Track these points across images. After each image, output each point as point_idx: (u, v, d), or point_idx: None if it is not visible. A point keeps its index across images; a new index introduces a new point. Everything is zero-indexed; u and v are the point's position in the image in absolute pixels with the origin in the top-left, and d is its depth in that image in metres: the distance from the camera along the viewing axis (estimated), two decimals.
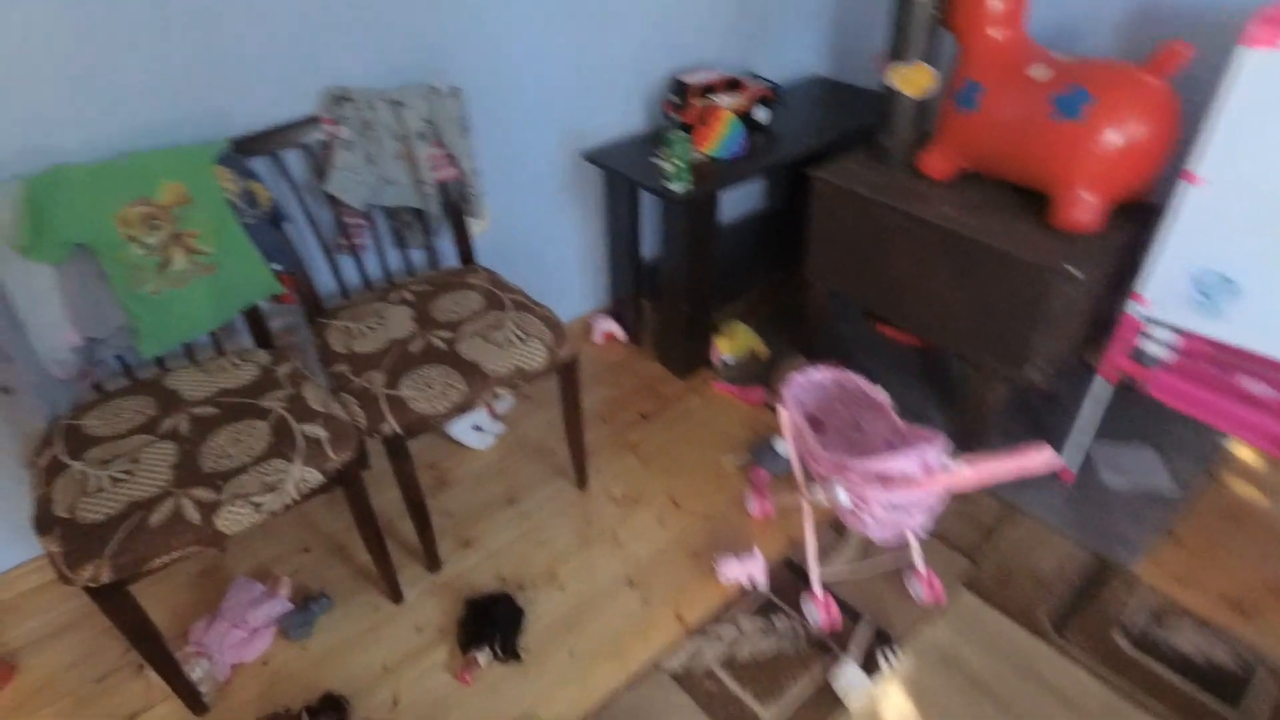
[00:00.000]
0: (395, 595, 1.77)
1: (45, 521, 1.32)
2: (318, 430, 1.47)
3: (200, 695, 1.57)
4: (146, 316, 1.58)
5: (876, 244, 2.00)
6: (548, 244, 2.33)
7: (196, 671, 1.58)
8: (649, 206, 2.38)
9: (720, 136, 2.14)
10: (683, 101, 2.19)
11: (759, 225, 2.82)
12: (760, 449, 2.08)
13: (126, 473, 1.38)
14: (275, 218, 1.69)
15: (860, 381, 1.71)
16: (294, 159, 1.77)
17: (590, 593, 1.79)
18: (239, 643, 1.66)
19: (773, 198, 2.96)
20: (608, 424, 2.23)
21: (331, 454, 1.45)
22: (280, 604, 1.72)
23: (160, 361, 1.67)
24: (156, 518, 1.31)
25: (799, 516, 1.95)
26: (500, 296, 1.82)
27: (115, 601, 1.35)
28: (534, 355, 1.67)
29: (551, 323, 1.75)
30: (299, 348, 1.91)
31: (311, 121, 1.72)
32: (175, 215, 1.56)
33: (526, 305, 1.79)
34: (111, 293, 1.54)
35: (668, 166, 1.99)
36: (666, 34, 2.26)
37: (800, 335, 2.43)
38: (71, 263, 1.49)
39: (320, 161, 1.77)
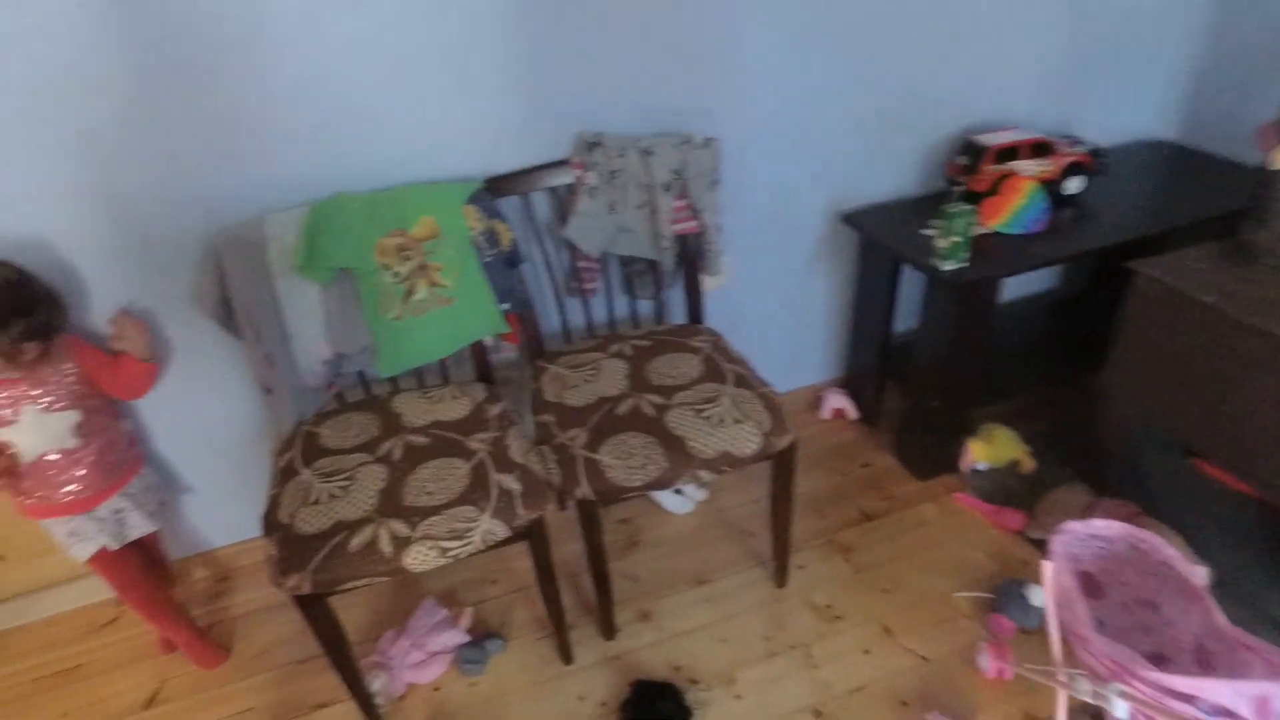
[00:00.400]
0: (566, 656, 1.72)
1: (271, 524, 1.42)
2: (512, 483, 1.45)
3: (375, 706, 1.63)
4: (388, 339, 1.67)
5: (1221, 369, 1.55)
6: (784, 306, 2.16)
7: (375, 683, 1.64)
8: (911, 277, 2.12)
9: (1014, 209, 1.83)
10: (973, 165, 1.90)
11: (1046, 309, 2.40)
12: (1007, 591, 1.73)
13: (342, 489, 1.45)
14: (512, 258, 1.71)
15: (1167, 551, 1.33)
16: (539, 201, 1.78)
17: (769, 713, 1.59)
18: (417, 664, 1.70)
19: (1069, 277, 2.51)
20: (821, 516, 2.01)
21: (521, 510, 1.41)
22: (458, 635, 1.74)
23: (394, 381, 1.76)
24: (356, 542, 1.35)
25: (1047, 694, 1.58)
26: (721, 367, 1.68)
27: (314, 610, 1.42)
28: (746, 441, 1.52)
29: (772, 406, 1.58)
30: (515, 384, 1.93)
31: (562, 165, 1.72)
32: (425, 248, 1.63)
33: (748, 381, 1.64)
34: (361, 315, 1.64)
35: (941, 242, 1.72)
36: (962, 87, 1.99)
37: (1085, 460, 1.98)
38: (333, 284, 1.61)
39: (564, 205, 1.76)
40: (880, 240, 1.91)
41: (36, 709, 1.76)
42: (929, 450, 2.04)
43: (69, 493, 1.56)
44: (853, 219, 2.00)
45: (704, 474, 1.51)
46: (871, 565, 1.87)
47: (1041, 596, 1.65)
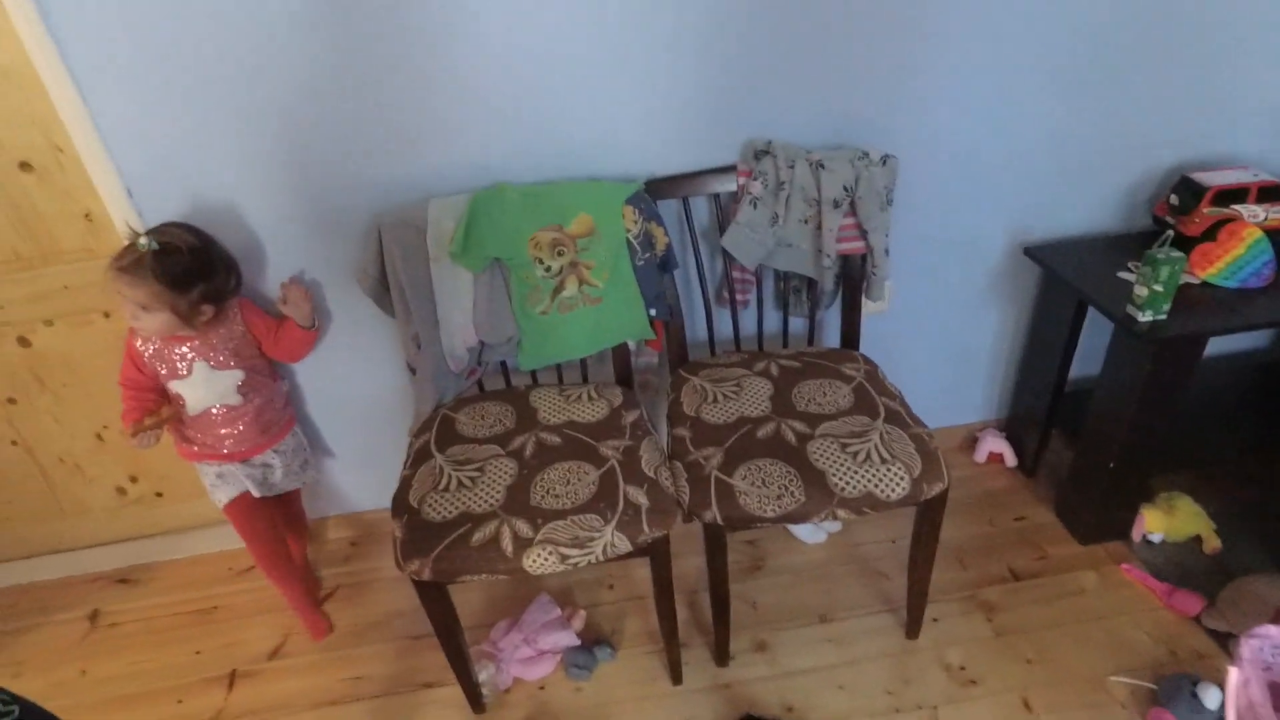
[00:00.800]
0: (676, 676, 1.66)
1: (400, 505, 1.44)
2: (640, 497, 1.40)
3: (481, 695, 1.63)
4: (532, 333, 1.66)
5: None
6: (947, 338, 2.00)
7: (483, 674, 1.65)
8: (1096, 321, 1.91)
9: (1232, 259, 1.60)
10: (1187, 206, 1.68)
11: (1251, 370, 2.11)
12: (1175, 686, 1.52)
13: (471, 479, 1.45)
14: (665, 263, 1.66)
15: None
16: (699, 206, 1.72)
17: None
18: (525, 660, 1.69)
19: None
20: (964, 567, 1.85)
21: (646, 527, 1.36)
22: (569, 637, 1.72)
23: (533, 375, 1.75)
24: (478, 536, 1.34)
25: None
26: (874, 399, 1.57)
27: (432, 595, 1.43)
28: (893, 484, 1.40)
29: (925, 448, 1.45)
30: (653, 390, 1.88)
31: (727, 171, 1.65)
32: (579, 245, 1.60)
33: (901, 419, 1.52)
34: (509, 306, 1.64)
35: (1140, 289, 1.53)
36: (1182, 118, 1.75)
37: None
38: (485, 273, 1.61)
39: (724, 213, 1.69)
40: (1066, 278, 1.72)
41: (173, 643, 1.88)
42: (1096, 512, 1.84)
43: (226, 444, 1.65)
44: (1036, 253, 1.81)
45: (842, 513, 1.41)
46: (1016, 629, 1.70)
47: (1218, 699, 1.45)
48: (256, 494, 1.72)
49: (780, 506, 1.39)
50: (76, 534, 2.14)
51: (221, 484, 1.71)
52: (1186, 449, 1.86)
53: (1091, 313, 1.82)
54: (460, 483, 1.45)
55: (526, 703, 1.66)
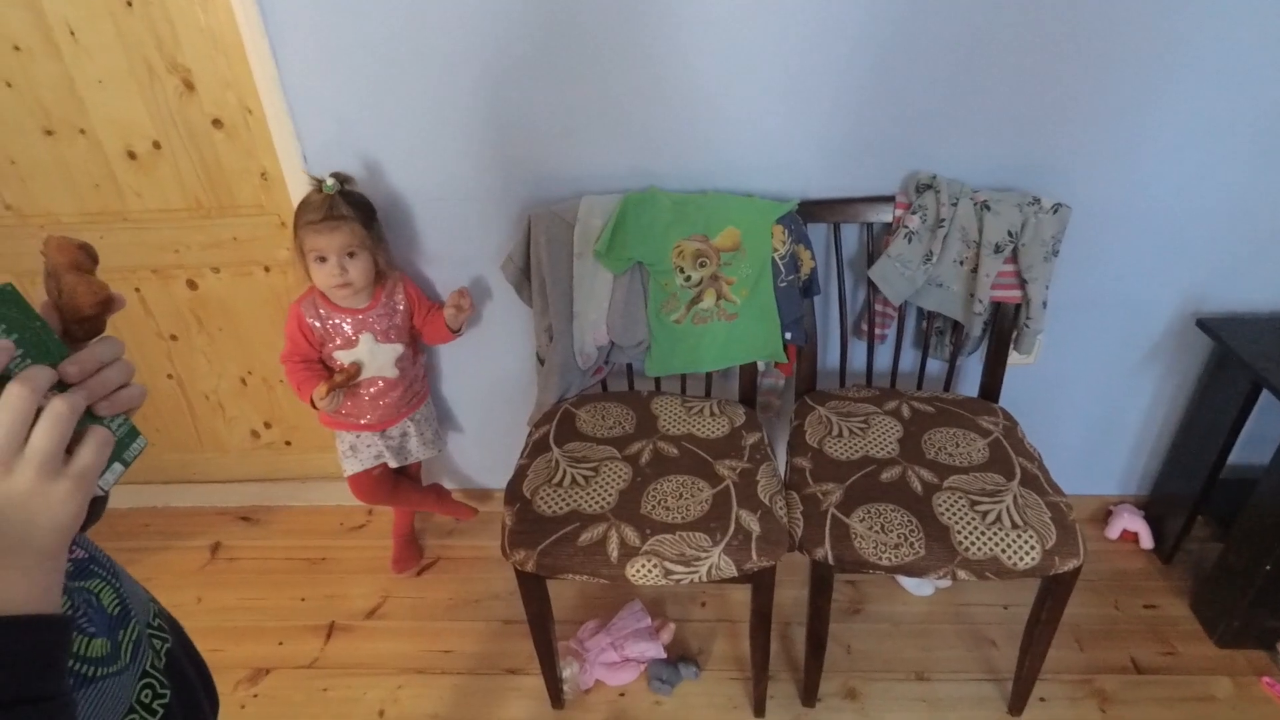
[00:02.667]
0: (759, 708, 1.62)
1: (513, 494, 1.46)
2: (753, 523, 1.37)
3: (562, 691, 1.64)
4: (663, 340, 1.65)
5: None
6: (1093, 402, 1.87)
7: (566, 671, 1.66)
8: (1269, 408, 1.74)
9: None
10: None
11: None
12: None
13: (585, 478, 1.46)
14: (808, 288, 1.62)
15: None
16: (850, 233, 1.67)
17: None
18: (609, 665, 1.69)
19: None
20: (1081, 649, 1.72)
21: (754, 555, 1.33)
22: (656, 649, 1.70)
23: (656, 382, 1.75)
24: (586, 537, 1.35)
25: None
26: (1011, 459, 1.48)
27: (532, 586, 1.45)
28: (1023, 552, 1.32)
29: (1062, 520, 1.36)
30: (775, 412, 1.84)
31: (885, 200, 1.59)
32: (722, 259, 1.59)
33: (1039, 484, 1.43)
34: (644, 310, 1.64)
35: None
36: None
37: None
38: (625, 275, 1.62)
39: (875, 244, 1.63)
40: (1243, 356, 1.58)
41: (282, 586, 1.98)
42: (1241, 614, 1.67)
43: (368, 415, 1.73)
44: (1210, 325, 1.67)
45: (964, 574, 1.34)
46: None
47: None
48: (394, 464, 1.81)
49: (897, 556, 1.33)
50: (210, 468, 2.29)
51: (353, 455, 1.79)
52: None
53: (1265, 397, 1.66)
54: (574, 480, 1.46)
55: (605, 707, 1.66)
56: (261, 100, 1.64)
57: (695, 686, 1.69)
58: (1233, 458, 1.76)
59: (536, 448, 1.57)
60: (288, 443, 2.26)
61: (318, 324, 1.65)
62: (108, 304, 0.58)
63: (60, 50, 1.67)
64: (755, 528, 1.36)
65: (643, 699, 1.67)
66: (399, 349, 1.69)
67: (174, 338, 2.07)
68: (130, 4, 1.62)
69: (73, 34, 1.66)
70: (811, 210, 1.59)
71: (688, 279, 1.61)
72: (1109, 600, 1.83)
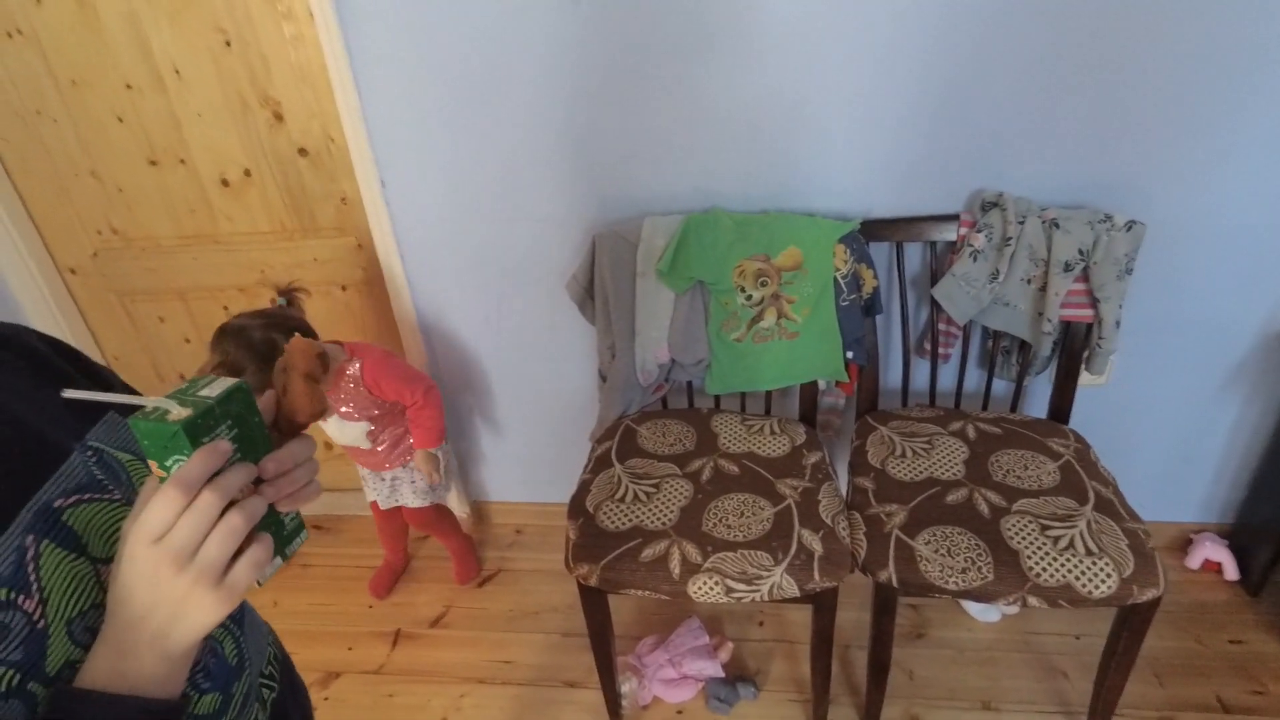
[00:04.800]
0: None
1: (577, 508, 1.49)
2: (815, 543, 1.37)
3: (620, 706, 1.66)
4: (724, 359, 1.67)
5: None
6: (1170, 426, 1.80)
7: (625, 685, 1.67)
8: None
9: None
10: None
11: None
12: None
13: (647, 494, 1.48)
14: (870, 307, 1.61)
15: None
16: (913, 252, 1.66)
17: None
18: (668, 681, 1.70)
19: None
20: (1161, 685, 1.65)
21: (817, 576, 1.33)
22: (714, 667, 1.70)
23: (716, 400, 1.76)
24: (649, 553, 1.37)
25: None
26: (1083, 483, 1.44)
27: (593, 600, 1.47)
28: (1098, 580, 1.28)
29: (1139, 547, 1.31)
30: (834, 431, 1.83)
31: (949, 219, 1.58)
32: (783, 279, 1.60)
33: (1114, 509, 1.38)
34: (705, 328, 1.66)
35: None
36: None
37: None
38: (687, 294, 1.64)
39: (939, 263, 1.62)
40: None
41: (352, 592, 2.06)
42: None
43: (367, 463, 1.87)
44: None
45: (1035, 601, 1.30)
46: None
47: None
48: (384, 505, 1.92)
49: (964, 580, 1.31)
50: None
51: (366, 484, 1.94)
52: None
53: None
54: (636, 496, 1.49)
55: None
56: (344, 129, 1.73)
57: (752, 707, 1.68)
58: None
59: (599, 463, 1.60)
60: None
61: None
62: (321, 416, 0.62)
63: (166, 87, 1.80)
64: (818, 548, 1.36)
65: (700, 718, 1.67)
66: (365, 427, 1.76)
67: None
68: (229, 44, 1.74)
69: (177, 72, 1.78)
70: (874, 229, 1.59)
71: (749, 298, 1.62)
72: (1190, 634, 1.75)
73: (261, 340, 1.48)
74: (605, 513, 1.45)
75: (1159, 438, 1.82)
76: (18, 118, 1.87)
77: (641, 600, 1.93)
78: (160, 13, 1.72)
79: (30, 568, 0.51)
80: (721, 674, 1.70)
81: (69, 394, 0.56)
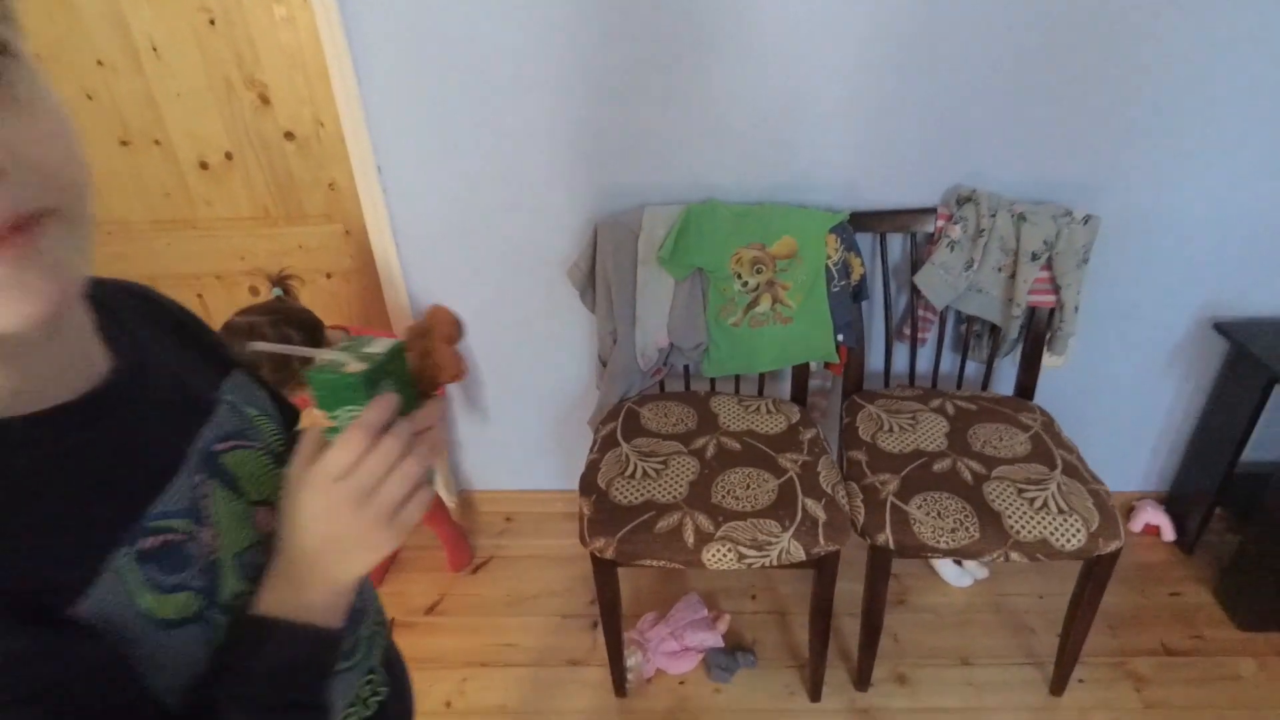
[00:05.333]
0: (814, 693, 1.70)
1: (588, 485, 1.54)
2: (818, 510, 1.46)
3: (625, 680, 1.71)
4: (721, 343, 1.75)
5: None
6: (1117, 402, 1.98)
7: (630, 659, 1.73)
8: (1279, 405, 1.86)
9: None
10: None
11: None
12: None
13: (656, 470, 1.55)
14: (858, 293, 1.72)
15: None
16: (895, 242, 1.78)
17: None
18: (670, 653, 1.76)
19: None
20: (1114, 635, 1.82)
21: (822, 540, 1.42)
22: (715, 638, 1.78)
23: (712, 384, 1.84)
24: (662, 525, 1.43)
25: None
26: (1051, 451, 1.59)
27: (606, 574, 1.52)
28: (1070, 535, 1.42)
29: (1103, 505, 1.46)
30: (821, 412, 1.94)
31: (928, 212, 1.71)
32: (778, 266, 1.69)
33: (1079, 473, 1.53)
34: (703, 314, 1.73)
35: None
36: None
37: None
38: (686, 281, 1.71)
39: (918, 252, 1.74)
40: (1259, 357, 1.70)
41: None
42: (1263, 599, 1.79)
43: None
44: (1227, 328, 1.79)
45: (1016, 556, 1.43)
46: (1164, 704, 1.67)
47: None
48: None
49: (954, 540, 1.43)
50: None
51: None
52: None
53: (1277, 396, 1.78)
54: (645, 472, 1.55)
55: (667, 695, 1.73)
56: (340, 115, 1.72)
57: (752, 675, 1.76)
58: (1248, 454, 1.88)
59: (605, 443, 1.65)
60: None
61: None
62: (461, 377, 0.65)
63: (142, 66, 1.76)
64: (821, 515, 1.45)
65: (703, 687, 1.74)
66: None
67: None
68: (213, 23, 1.71)
69: (155, 51, 1.74)
70: (860, 220, 1.70)
71: (745, 284, 1.71)
72: (1136, 589, 1.93)
73: (275, 339, 1.47)
74: (617, 489, 1.51)
75: (1108, 414, 2.00)
76: None
77: (638, 578, 1.99)
78: None
79: (205, 503, 0.55)
80: (721, 644, 1.78)
81: (258, 347, 0.59)
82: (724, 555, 1.40)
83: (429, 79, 1.63)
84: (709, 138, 1.67)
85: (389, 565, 2.08)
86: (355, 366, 0.55)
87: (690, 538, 1.42)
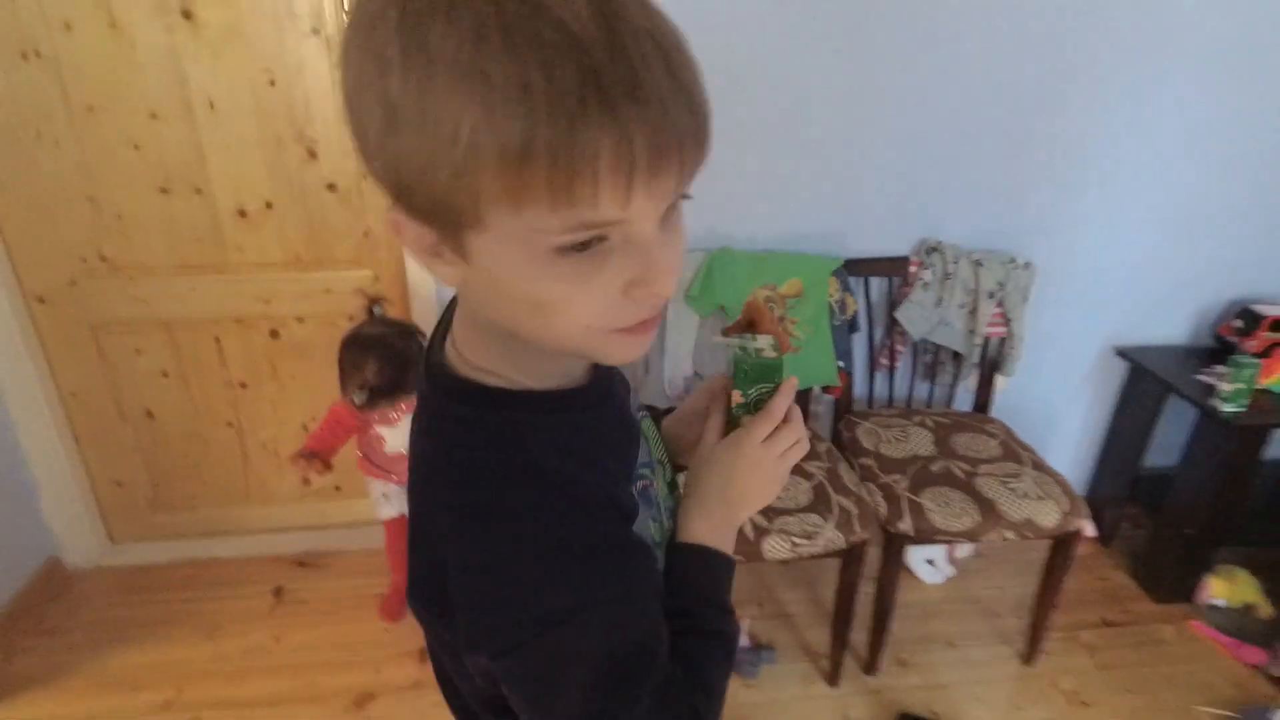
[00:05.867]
0: (833, 678, 1.91)
1: None
2: (849, 505, 1.71)
3: None
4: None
5: None
6: (1051, 414, 2.38)
7: None
8: (1171, 414, 2.31)
9: None
10: (1248, 330, 2.13)
11: None
12: (1254, 715, 1.84)
13: None
14: (852, 325, 2.03)
15: None
16: (876, 284, 2.11)
17: None
18: None
19: None
20: (1064, 614, 2.16)
21: (857, 528, 1.67)
22: (741, 639, 1.96)
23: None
24: None
25: None
26: (1018, 452, 1.93)
27: None
28: (1048, 514, 1.74)
29: (1068, 490, 1.80)
30: (819, 435, 2.21)
31: (902, 260, 2.06)
32: (788, 304, 1.97)
33: (1044, 467, 1.88)
34: (724, 347, 1.98)
35: (1225, 386, 1.94)
36: (1242, 259, 2.24)
37: None
38: (710, 317, 1.96)
39: (895, 293, 2.09)
40: (1157, 375, 2.14)
41: (361, 622, 2.06)
42: (1170, 578, 2.19)
43: (399, 473, 1.93)
44: (1126, 353, 2.24)
45: (1010, 535, 1.73)
46: (1114, 665, 2.01)
47: None
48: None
49: (962, 524, 1.72)
50: (256, 519, 2.33)
51: (385, 502, 1.99)
52: (1245, 529, 2.23)
53: (1169, 410, 2.22)
54: None
55: None
56: None
57: (774, 670, 1.95)
58: (1150, 459, 2.32)
59: None
60: (337, 488, 2.34)
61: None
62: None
63: (195, 118, 1.84)
64: (853, 509, 1.70)
65: (734, 683, 1.91)
66: None
67: (244, 385, 2.16)
68: (273, 83, 1.84)
69: (211, 105, 1.84)
70: (852, 265, 2.03)
71: None
72: (1072, 577, 2.23)
73: (403, 349, 1.59)
74: None
75: (1038, 428, 2.39)
76: (12, 138, 1.80)
77: None
78: (204, 48, 1.78)
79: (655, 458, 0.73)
80: (747, 644, 1.96)
81: (729, 340, 0.77)
82: (779, 545, 1.61)
83: None
84: (724, 195, 1.96)
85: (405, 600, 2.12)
86: (770, 353, 0.74)
87: (750, 533, 1.62)
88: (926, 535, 1.73)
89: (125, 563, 2.23)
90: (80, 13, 1.71)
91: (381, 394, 1.72)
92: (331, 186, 1.96)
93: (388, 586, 2.12)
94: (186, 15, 1.75)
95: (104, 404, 2.12)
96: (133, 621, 2.02)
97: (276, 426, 2.23)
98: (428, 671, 1.90)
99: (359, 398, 1.71)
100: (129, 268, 1.97)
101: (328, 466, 1.83)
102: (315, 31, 1.80)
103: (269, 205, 1.96)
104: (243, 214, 1.96)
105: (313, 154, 1.92)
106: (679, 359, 1.97)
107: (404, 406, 1.82)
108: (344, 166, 1.94)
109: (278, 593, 2.14)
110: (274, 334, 2.11)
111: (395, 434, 1.86)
